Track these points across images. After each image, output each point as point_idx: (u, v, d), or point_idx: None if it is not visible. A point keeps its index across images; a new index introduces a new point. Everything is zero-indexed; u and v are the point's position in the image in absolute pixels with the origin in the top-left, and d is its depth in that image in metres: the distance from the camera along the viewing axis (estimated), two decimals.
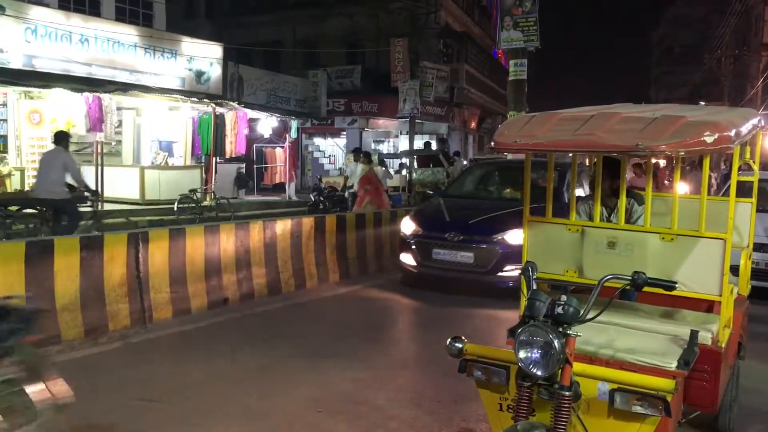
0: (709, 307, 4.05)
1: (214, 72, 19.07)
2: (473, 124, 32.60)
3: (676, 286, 2.92)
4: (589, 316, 2.77)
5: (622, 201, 3.99)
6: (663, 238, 3.69)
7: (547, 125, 3.32)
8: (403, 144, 26.64)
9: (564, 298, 2.77)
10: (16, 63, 13.97)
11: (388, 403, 4.86)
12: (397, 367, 5.80)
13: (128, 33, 16.69)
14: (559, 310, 2.73)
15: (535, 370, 2.71)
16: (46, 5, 15.99)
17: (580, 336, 2.78)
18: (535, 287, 3.04)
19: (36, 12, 14.65)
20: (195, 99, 17.62)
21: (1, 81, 13.36)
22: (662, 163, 15.22)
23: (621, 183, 4.04)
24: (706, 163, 3.73)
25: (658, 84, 74.09)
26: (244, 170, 20.85)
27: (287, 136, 22.01)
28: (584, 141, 3.10)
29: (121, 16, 18.97)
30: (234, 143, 18.37)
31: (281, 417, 4.51)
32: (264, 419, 4.46)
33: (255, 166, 23.12)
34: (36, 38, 14.39)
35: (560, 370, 2.73)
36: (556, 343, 2.65)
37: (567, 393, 2.72)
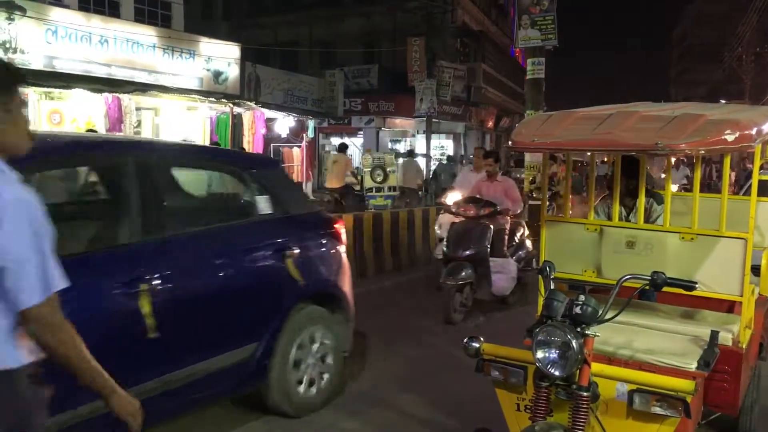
0: (729, 307, 4.01)
1: (232, 72, 19.15)
2: (490, 123, 32.48)
3: (697, 286, 2.89)
4: (607, 316, 2.75)
5: (641, 200, 3.96)
6: (683, 238, 3.65)
7: (564, 124, 3.30)
8: (420, 143, 26.63)
9: (582, 297, 2.75)
10: (36, 64, 14.12)
11: (405, 401, 4.86)
12: (418, 363, 5.80)
13: (147, 34, 16.82)
14: (577, 310, 2.71)
15: (552, 371, 2.69)
16: (66, 7, 16.14)
17: (598, 336, 2.76)
18: (552, 287, 3.03)
19: (56, 13, 14.80)
20: (213, 99, 17.72)
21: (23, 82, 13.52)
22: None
23: (640, 182, 4.00)
24: (727, 162, 3.69)
25: (678, 82, 73.45)
26: None
27: (304, 135, 22.07)
28: (602, 140, 3.08)
29: (140, 17, 19.10)
30: (251, 143, 18.45)
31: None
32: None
33: None
34: (56, 39, 14.53)
35: (578, 371, 2.72)
36: (574, 343, 2.64)
37: (585, 393, 2.70)
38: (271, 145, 22.84)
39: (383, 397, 4.97)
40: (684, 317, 3.93)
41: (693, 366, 3.12)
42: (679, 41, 75.85)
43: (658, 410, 2.76)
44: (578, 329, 2.69)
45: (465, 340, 3.14)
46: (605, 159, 11.79)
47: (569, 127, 3.25)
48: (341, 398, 4.87)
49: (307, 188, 22.02)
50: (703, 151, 3.12)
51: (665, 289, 2.86)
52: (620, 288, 2.86)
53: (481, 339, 3.15)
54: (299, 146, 22.67)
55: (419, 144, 27.17)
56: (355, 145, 27.64)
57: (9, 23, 13.43)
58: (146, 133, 17.97)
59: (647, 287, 2.86)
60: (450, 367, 5.45)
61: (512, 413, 3.18)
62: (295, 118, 21.55)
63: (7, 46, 13.44)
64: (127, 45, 16.14)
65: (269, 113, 20.01)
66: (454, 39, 28.66)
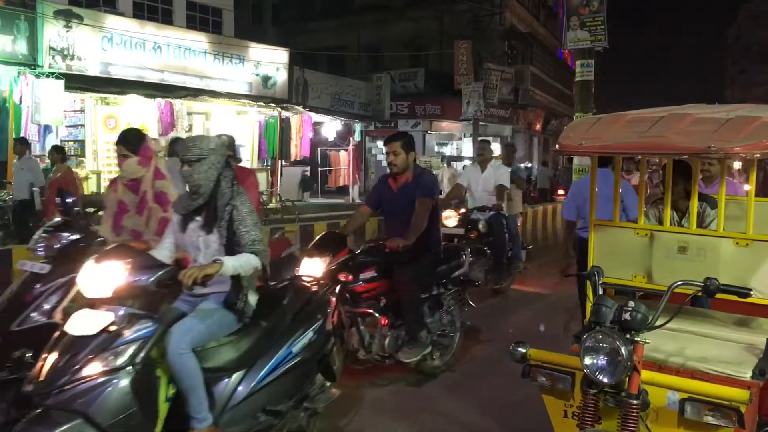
0: None
1: (280, 77, 19.42)
2: (538, 126, 32.12)
3: (752, 293, 2.82)
4: (658, 323, 2.70)
5: (694, 204, 3.86)
6: (737, 243, 3.55)
7: (614, 127, 3.24)
8: (467, 147, 26.52)
9: (632, 303, 2.71)
10: (93, 70, 14.56)
11: (451, 405, 4.84)
12: (467, 367, 5.80)
13: (199, 40, 17.19)
14: (627, 316, 2.67)
15: (601, 377, 2.66)
16: (122, 14, 16.62)
17: (648, 343, 2.71)
18: (601, 292, 2.99)
19: (112, 21, 15.25)
20: (261, 103, 18.00)
21: (79, 87, 13.95)
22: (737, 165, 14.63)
23: (693, 186, 3.91)
24: None
25: (734, 84, 71.35)
26: (308, 173, 21.11)
27: (351, 139, 22.23)
28: (653, 143, 3.01)
29: (192, 24, 19.55)
30: (299, 146, 18.68)
31: (341, 417, 4.56)
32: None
33: (319, 168, 23.42)
34: (112, 46, 14.97)
35: (627, 378, 2.67)
36: (623, 350, 2.60)
37: (635, 401, 2.66)
38: (318, 148, 23.08)
39: (429, 401, 4.96)
40: (738, 325, 3.82)
41: (748, 375, 3.03)
42: (734, 41, 73.72)
43: (710, 420, 2.69)
44: (627, 336, 2.65)
45: (511, 346, 3.13)
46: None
47: (619, 130, 3.19)
48: (386, 400, 4.89)
49: (354, 191, 22.15)
50: (758, 155, 3.02)
51: (719, 295, 2.80)
52: (671, 294, 2.80)
53: (527, 344, 3.13)
54: (346, 150, 22.83)
55: (465, 147, 27.05)
56: None
57: (67, 31, 13.90)
58: None
59: (700, 294, 2.80)
60: (498, 372, 5.41)
61: (560, 420, 3.14)
62: (342, 122, 21.71)
63: (65, 53, 13.91)
64: (180, 51, 16.52)
65: (317, 117, 20.21)
66: (502, 41, 28.45)
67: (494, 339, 6.65)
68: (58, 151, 10.46)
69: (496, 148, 29.73)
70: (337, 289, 4.74)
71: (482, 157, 8.47)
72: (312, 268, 4.68)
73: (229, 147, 4.19)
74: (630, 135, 3.11)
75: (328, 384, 4.05)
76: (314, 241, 5.27)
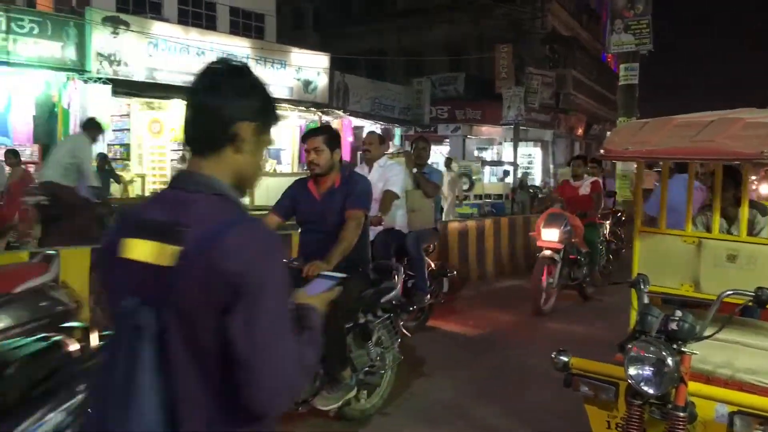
0: None
1: (321, 81, 19.57)
2: (580, 131, 31.71)
3: None
4: (706, 333, 2.63)
5: (744, 212, 3.75)
6: None
7: (662, 132, 3.17)
8: (507, 152, 26.32)
9: (679, 313, 2.64)
10: (138, 76, 14.88)
11: (489, 413, 4.79)
12: (511, 373, 5.72)
13: (241, 45, 17.44)
14: (674, 326, 2.61)
15: (646, 388, 2.59)
16: (167, 20, 16.96)
17: (696, 354, 2.64)
18: (646, 301, 2.92)
19: (157, 27, 15.57)
20: (302, 108, 18.17)
21: (126, 93, 14.28)
22: None
23: (743, 192, 3.80)
24: None
25: None
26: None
27: (391, 143, 22.24)
28: (703, 148, 2.94)
29: (235, 30, 19.84)
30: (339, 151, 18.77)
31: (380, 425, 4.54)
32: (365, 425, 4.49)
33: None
34: (157, 52, 15.28)
35: (674, 390, 2.60)
36: (669, 360, 2.53)
37: (682, 414, 2.58)
38: (358, 152, 23.15)
39: (467, 409, 4.92)
40: None
41: None
42: None
43: None
44: (674, 346, 2.58)
45: (554, 354, 3.07)
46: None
47: (667, 134, 3.13)
48: (424, 408, 4.85)
49: None
50: None
51: None
52: (721, 303, 2.72)
53: (570, 353, 3.07)
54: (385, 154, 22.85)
55: (506, 152, 26.86)
56: (441, 153, 27.62)
57: (114, 37, 14.23)
58: None
59: (750, 304, 2.72)
60: (537, 380, 5.34)
61: (603, 431, 3.08)
62: (382, 126, 21.77)
63: (113, 59, 14.24)
64: (223, 56, 16.75)
65: (356, 121, 20.31)
66: (543, 45, 28.20)
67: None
68: (14, 155, 10.54)
69: (536, 152, 29.64)
70: None
71: (369, 153, 6.39)
72: None
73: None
74: (679, 140, 3.04)
75: None
76: None
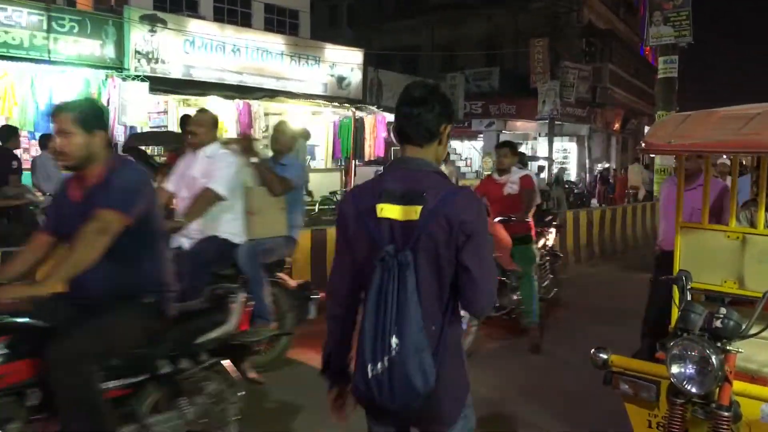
0: None
1: (355, 77, 19.57)
2: (616, 126, 31.20)
3: None
4: (752, 332, 2.57)
5: None
6: None
7: (705, 125, 3.10)
8: (542, 147, 26.03)
9: (723, 310, 2.57)
10: (175, 73, 15.05)
11: (529, 410, 4.74)
12: (552, 368, 5.68)
13: (276, 42, 17.51)
14: (718, 323, 2.55)
15: (689, 387, 2.54)
16: (203, 18, 17.12)
17: (741, 352, 2.58)
18: (689, 298, 2.86)
19: (194, 25, 15.73)
20: (336, 104, 18.18)
21: (163, 90, 14.45)
22: None
23: None
24: None
25: None
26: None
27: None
28: (749, 141, 2.86)
29: (270, 26, 19.96)
30: (372, 146, 18.77)
31: None
32: None
33: None
34: (194, 49, 15.43)
35: (718, 389, 2.55)
36: (713, 359, 2.47)
37: (726, 414, 2.52)
38: (392, 148, 23.13)
39: (508, 406, 4.87)
40: None
41: None
42: None
43: None
44: (718, 344, 2.53)
45: (593, 351, 3.03)
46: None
47: (711, 127, 3.05)
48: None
49: None
50: None
51: None
52: (766, 301, 2.65)
53: (609, 350, 3.02)
54: None
55: (541, 147, 26.57)
56: (475, 148, 27.43)
57: (152, 35, 14.42)
58: None
59: None
60: (581, 377, 5.26)
61: (644, 430, 3.02)
62: None
63: (150, 56, 14.44)
64: (258, 53, 16.88)
65: (390, 117, 20.23)
66: (579, 39, 27.79)
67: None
68: None
69: (572, 147, 29.24)
70: None
71: (195, 137, 4.99)
72: None
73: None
74: (723, 133, 2.96)
75: None
76: None
